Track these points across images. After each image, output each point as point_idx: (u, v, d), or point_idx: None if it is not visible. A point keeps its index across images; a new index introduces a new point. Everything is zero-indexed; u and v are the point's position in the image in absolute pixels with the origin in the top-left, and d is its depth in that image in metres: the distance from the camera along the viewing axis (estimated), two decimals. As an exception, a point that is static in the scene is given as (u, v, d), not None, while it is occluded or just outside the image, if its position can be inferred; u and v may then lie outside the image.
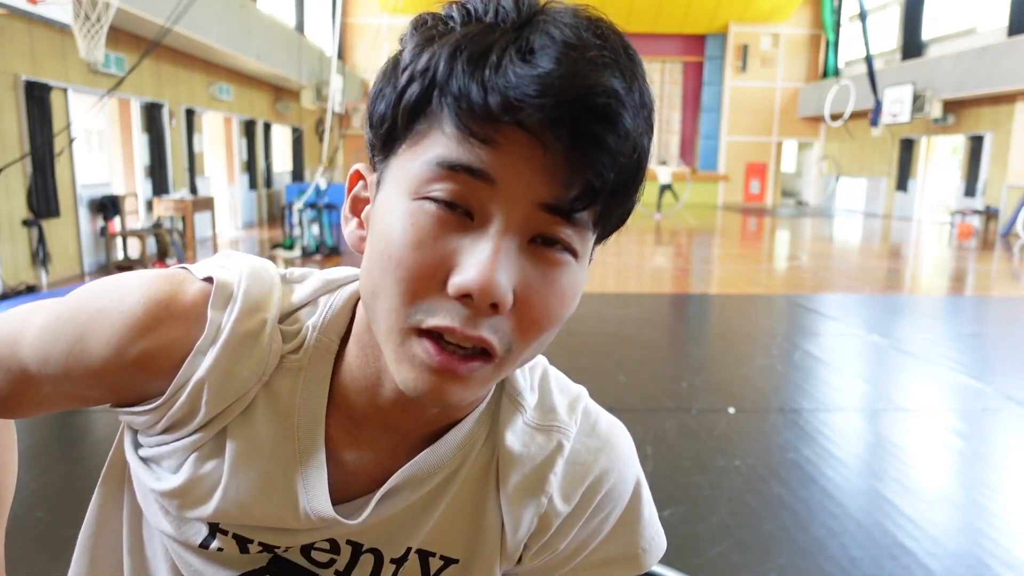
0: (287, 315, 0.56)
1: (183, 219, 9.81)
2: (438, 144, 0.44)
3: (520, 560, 0.62)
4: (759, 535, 2.66)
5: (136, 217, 9.39)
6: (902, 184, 17.62)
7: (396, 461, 0.56)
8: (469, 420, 0.58)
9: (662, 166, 17.16)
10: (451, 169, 0.43)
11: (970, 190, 15.05)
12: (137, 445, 0.58)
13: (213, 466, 0.54)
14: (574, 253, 0.46)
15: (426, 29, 0.46)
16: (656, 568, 2.71)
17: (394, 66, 0.47)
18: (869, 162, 19.37)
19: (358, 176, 0.54)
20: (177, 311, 0.52)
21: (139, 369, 0.53)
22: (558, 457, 0.59)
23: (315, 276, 0.59)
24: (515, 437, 0.58)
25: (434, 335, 0.45)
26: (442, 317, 0.44)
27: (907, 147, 17.28)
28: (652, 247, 12.04)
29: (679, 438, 3.55)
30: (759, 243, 13.31)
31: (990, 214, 14.27)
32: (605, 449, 0.61)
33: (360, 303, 0.55)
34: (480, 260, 0.42)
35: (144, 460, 0.58)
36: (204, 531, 0.56)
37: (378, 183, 0.49)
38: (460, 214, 0.44)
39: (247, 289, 0.53)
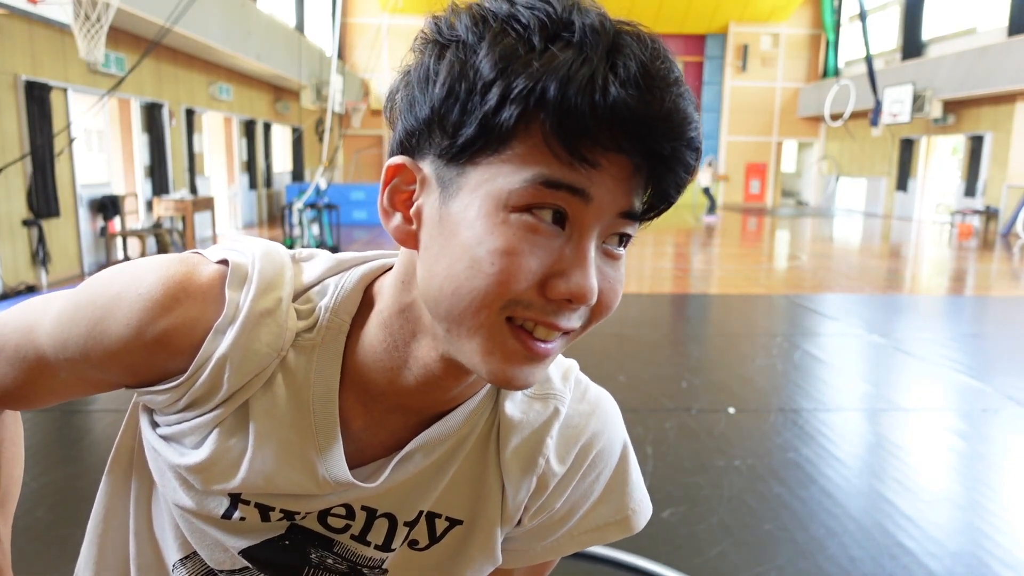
0: (299, 294, 0.59)
1: (183, 219, 9.81)
2: (540, 162, 0.46)
3: (520, 522, 0.66)
4: (759, 535, 2.66)
5: (136, 217, 9.40)
6: (902, 184, 17.61)
7: (407, 433, 0.60)
8: (478, 395, 0.62)
9: (708, 167, 16.79)
10: (554, 187, 0.46)
11: (970, 190, 15.05)
12: (154, 424, 0.61)
13: (237, 439, 0.57)
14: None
15: (503, 39, 0.46)
16: (656, 568, 2.70)
17: (468, 69, 0.47)
18: (869, 162, 19.37)
19: (396, 170, 0.52)
20: (194, 291, 0.55)
21: (160, 348, 0.55)
22: (554, 422, 0.63)
23: (323, 256, 0.62)
24: (514, 406, 0.63)
25: (524, 327, 0.49)
26: (537, 312, 0.48)
27: (907, 147, 17.28)
28: (652, 247, 12.03)
29: (679, 438, 3.55)
30: (759, 243, 13.31)
31: (990, 214, 14.26)
32: (596, 413, 0.66)
33: (375, 286, 0.59)
34: (581, 269, 0.47)
35: (164, 438, 0.60)
36: (226, 503, 0.59)
37: (443, 185, 0.49)
38: (555, 224, 0.48)
39: (261, 269, 0.56)
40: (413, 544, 0.64)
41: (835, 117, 17.76)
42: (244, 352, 0.54)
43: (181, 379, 0.55)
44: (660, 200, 0.50)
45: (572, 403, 0.65)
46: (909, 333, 6.10)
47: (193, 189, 10.98)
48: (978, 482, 3.23)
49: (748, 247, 12.54)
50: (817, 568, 2.46)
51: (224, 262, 0.56)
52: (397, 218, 0.53)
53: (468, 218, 0.48)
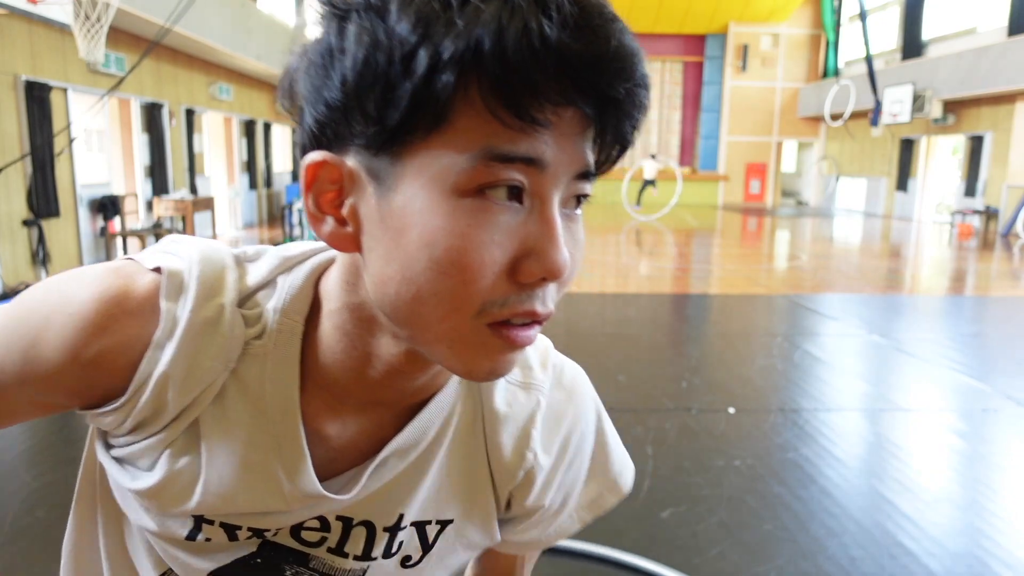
0: (245, 298, 0.53)
1: (183, 219, 9.81)
2: (485, 134, 0.41)
3: (509, 507, 0.65)
4: (759, 535, 2.66)
5: (136, 217, 9.40)
6: (902, 184, 17.61)
7: (383, 431, 0.57)
8: (450, 386, 0.59)
9: (651, 160, 17.20)
10: (506, 161, 0.41)
11: (970, 190, 15.05)
12: (108, 446, 0.57)
13: (189, 460, 0.53)
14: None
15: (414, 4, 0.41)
16: (656, 568, 2.70)
17: (381, 37, 0.41)
18: (869, 162, 19.37)
19: (317, 168, 0.46)
20: (130, 307, 0.50)
21: (97, 369, 0.50)
22: (538, 413, 0.62)
23: (270, 254, 0.56)
24: (501, 397, 0.60)
25: (502, 321, 0.45)
26: (514, 304, 0.44)
27: (907, 147, 17.27)
28: (652, 247, 12.03)
29: (679, 438, 3.55)
30: (759, 243, 13.31)
31: (990, 214, 14.27)
32: (572, 399, 0.65)
33: (322, 283, 0.53)
34: (552, 244, 0.43)
35: (118, 460, 0.56)
36: (189, 524, 0.55)
37: (376, 178, 0.44)
38: (514, 201, 0.43)
39: (200, 275, 0.51)
40: (406, 560, 0.62)
41: (835, 117, 17.76)
42: (187, 368, 0.50)
43: (122, 400, 0.51)
44: (618, 147, 0.45)
45: (551, 390, 0.63)
46: (909, 333, 6.10)
47: (193, 189, 10.98)
48: (978, 482, 3.23)
49: (748, 247, 12.54)
50: (817, 568, 2.46)
51: (159, 270, 0.51)
52: (329, 222, 0.47)
53: (415, 212, 0.42)
